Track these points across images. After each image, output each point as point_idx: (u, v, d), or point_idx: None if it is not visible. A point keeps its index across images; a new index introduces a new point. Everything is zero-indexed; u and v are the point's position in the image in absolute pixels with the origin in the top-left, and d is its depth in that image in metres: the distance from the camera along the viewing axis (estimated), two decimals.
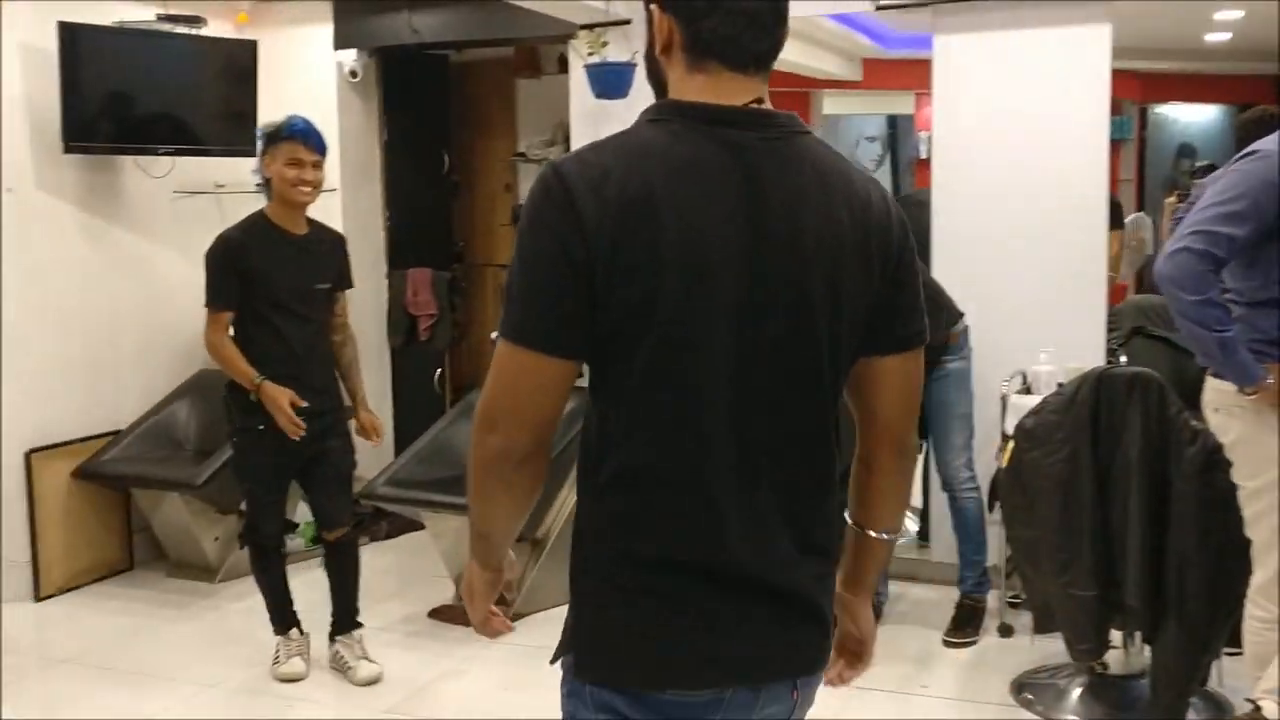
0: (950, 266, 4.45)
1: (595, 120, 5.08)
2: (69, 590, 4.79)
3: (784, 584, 1.54)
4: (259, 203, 5.57)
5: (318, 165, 3.68)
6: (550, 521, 4.46)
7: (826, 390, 1.55)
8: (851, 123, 10.30)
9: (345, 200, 5.59)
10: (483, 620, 1.71)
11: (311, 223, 3.83)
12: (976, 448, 4.23)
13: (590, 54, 4.78)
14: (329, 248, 3.89)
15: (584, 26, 5.00)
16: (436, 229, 6.22)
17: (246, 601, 4.67)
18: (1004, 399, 4.09)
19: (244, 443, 3.85)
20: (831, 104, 8.83)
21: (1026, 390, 4.18)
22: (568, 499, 4.43)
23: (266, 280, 3.68)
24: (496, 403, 1.48)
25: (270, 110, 5.34)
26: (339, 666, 3.93)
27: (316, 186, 3.71)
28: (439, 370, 6.18)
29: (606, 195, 1.42)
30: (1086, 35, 4.33)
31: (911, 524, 4.91)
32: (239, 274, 3.67)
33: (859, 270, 1.54)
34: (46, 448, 4.73)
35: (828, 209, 1.52)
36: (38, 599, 4.70)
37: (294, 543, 5.15)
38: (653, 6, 1.55)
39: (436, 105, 6.18)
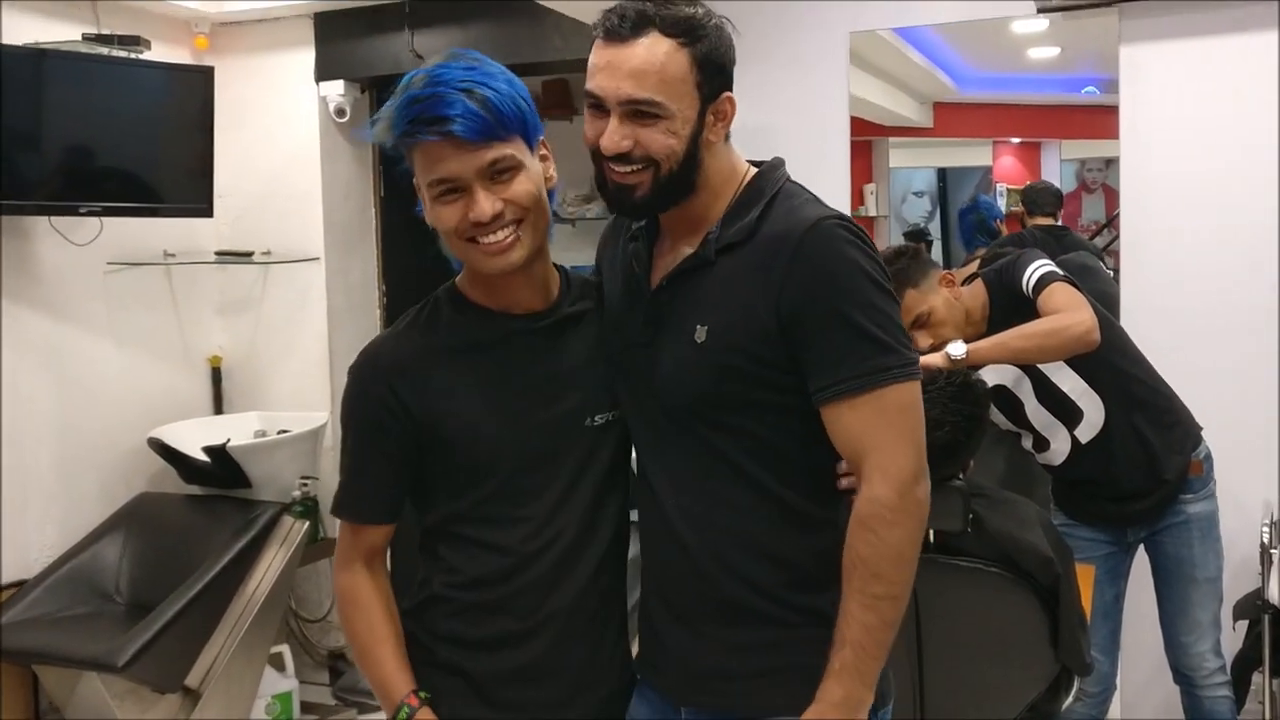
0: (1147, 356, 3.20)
1: None
2: None
3: None
4: (223, 276, 4.35)
5: (505, 169, 1.63)
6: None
7: None
8: (898, 176, 9.27)
9: (330, 270, 4.42)
10: None
11: (566, 277, 1.82)
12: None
13: None
14: None
15: None
16: None
17: None
18: (1265, 551, 2.87)
19: None
20: (898, 156, 7.70)
21: None
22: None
23: (482, 436, 1.67)
24: (924, 441, 1.55)
25: (232, 159, 4.20)
26: None
27: (521, 218, 1.65)
28: None
29: None
30: None
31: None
32: (410, 430, 1.67)
33: None
34: None
35: None
36: None
37: None
38: (728, 96, 1.61)
39: None
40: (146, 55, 3.94)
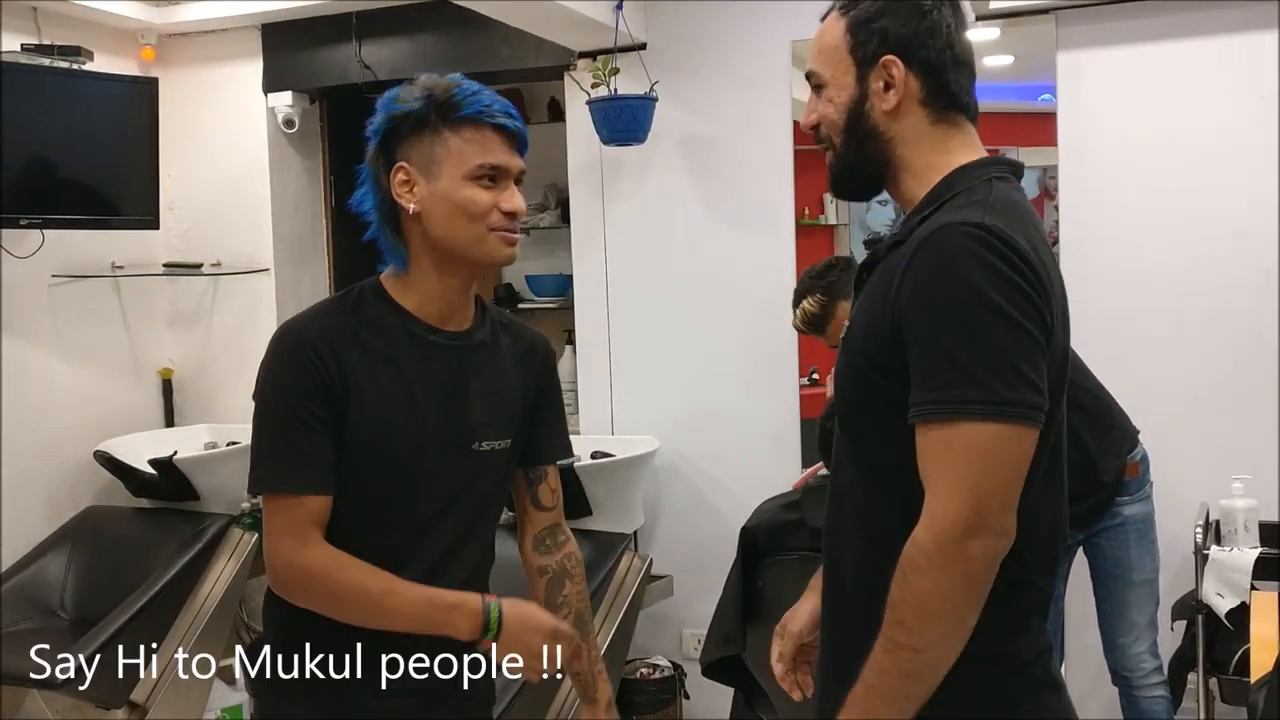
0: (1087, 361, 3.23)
1: (602, 174, 3.93)
2: None
3: None
4: (173, 288, 4.27)
5: (521, 180, 1.77)
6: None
7: None
8: None
9: (280, 283, 4.40)
10: None
11: (484, 307, 1.87)
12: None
13: (595, 85, 3.62)
14: (519, 363, 1.87)
15: (584, 55, 3.87)
16: None
17: None
18: (1198, 552, 2.89)
19: None
20: None
21: (1218, 537, 3.00)
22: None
23: (381, 429, 1.71)
24: (999, 494, 1.35)
25: (181, 171, 4.19)
26: None
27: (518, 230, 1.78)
28: None
29: (1040, 262, 1.40)
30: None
31: None
32: (334, 412, 1.68)
33: None
34: None
35: None
36: None
37: None
38: (888, 59, 1.49)
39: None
40: (90, 66, 3.92)
